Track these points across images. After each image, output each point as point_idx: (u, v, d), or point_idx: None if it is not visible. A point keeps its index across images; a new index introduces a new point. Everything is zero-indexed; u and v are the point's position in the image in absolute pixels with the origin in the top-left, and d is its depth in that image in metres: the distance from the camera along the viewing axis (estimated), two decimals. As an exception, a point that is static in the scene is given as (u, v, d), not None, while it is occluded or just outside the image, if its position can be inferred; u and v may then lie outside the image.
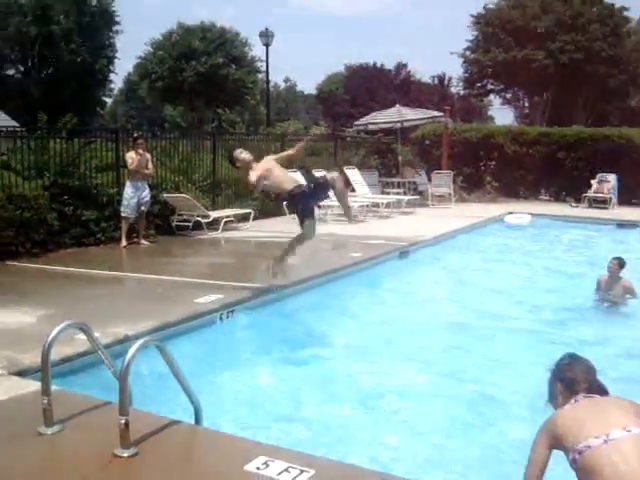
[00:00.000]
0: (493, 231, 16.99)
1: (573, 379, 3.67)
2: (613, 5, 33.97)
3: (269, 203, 16.90)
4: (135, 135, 13.05)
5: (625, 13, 34.44)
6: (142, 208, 12.44)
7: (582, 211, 20.36)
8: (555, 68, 31.67)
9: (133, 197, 12.29)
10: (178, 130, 29.27)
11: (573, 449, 3.29)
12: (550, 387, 3.80)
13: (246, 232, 14.50)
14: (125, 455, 3.78)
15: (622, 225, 17.83)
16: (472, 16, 35.96)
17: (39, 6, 36.17)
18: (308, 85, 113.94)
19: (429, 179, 21.87)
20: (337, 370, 6.74)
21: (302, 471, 3.68)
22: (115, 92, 58.49)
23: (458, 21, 71.07)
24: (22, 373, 5.40)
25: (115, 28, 33.52)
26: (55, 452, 4.11)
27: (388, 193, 20.59)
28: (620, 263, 9.32)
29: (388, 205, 18.36)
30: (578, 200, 21.70)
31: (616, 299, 9.36)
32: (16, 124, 25.20)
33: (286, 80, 79.56)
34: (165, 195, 13.78)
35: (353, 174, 19.68)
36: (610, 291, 9.38)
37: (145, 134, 14.98)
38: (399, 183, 21.87)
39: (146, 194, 12.52)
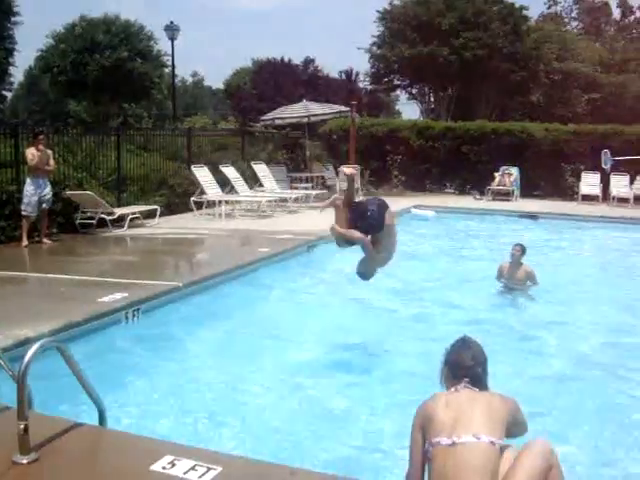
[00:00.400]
0: (399, 224, 17.23)
1: (458, 365, 3.73)
2: (513, 4, 34.93)
3: (175, 199, 16.73)
4: (36, 131, 12.67)
5: (524, 12, 35.48)
6: (44, 206, 12.10)
7: (486, 203, 20.93)
8: (459, 64, 32.30)
9: (34, 195, 11.94)
10: (83, 125, 28.53)
11: (429, 440, 3.41)
12: (440, 369, 3.87)
13: (152, 229, 14.28)
14: (24, 462, 3.65)
15: (524, 216, 18.41)
16: (378, 12, 36.34)
17: None
18: (216, 80, 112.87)
19: (337, 173, 22.03)
20: (242, 365, 6.71)
21: (209, 469, 3.65)
22: (16, 86, 56.60)
23: (365, 17, 71.93)
24: None
25: (14, 19, 32.33)
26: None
27: (296, 188, 20.65)
28: (522, 249, 9.67)
29: (296, 200, 18.41)
30: (482, 193, 22.29)
31: (518, 285, 9.68)
32: None
33: (193, 75, 78.64)
34: (68, 192, 13.43)
35: (261, 169, 19.66)
36: (512, 277, 9.69)
37: (47, 129, 14.55)
38: (307, 178, 21.97)
39: (47, 191, 12.19)
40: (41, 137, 12.15)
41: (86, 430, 4.20)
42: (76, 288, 8.77)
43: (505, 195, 21.87)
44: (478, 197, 22.34)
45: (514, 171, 22.32)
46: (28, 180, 12.00)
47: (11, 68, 34.74)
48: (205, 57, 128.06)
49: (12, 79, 42.74)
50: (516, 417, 3.61)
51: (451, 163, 24.01)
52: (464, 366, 3.70)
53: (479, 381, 3.69)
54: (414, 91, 38.98)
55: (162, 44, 35.75)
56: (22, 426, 3.64)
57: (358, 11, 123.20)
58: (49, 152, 12.29)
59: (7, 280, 9.34)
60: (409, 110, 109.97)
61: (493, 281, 9.90)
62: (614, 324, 8.54)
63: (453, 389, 3.63)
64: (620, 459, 4.97)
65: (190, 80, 76.93)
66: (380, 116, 39.97)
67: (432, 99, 38.49)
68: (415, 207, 19.04)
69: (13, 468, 3.63)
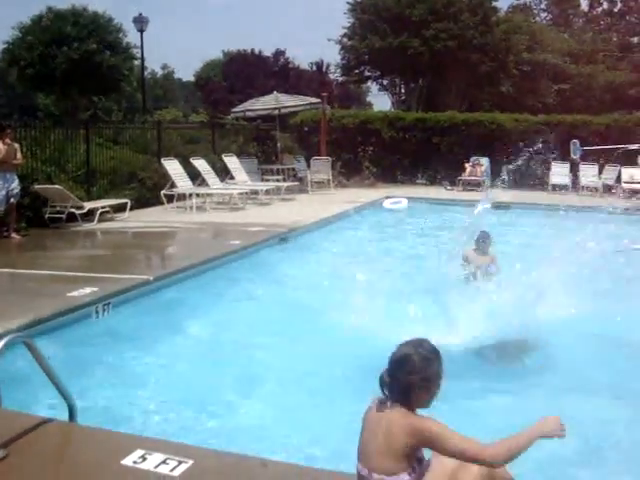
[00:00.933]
0: (371, 216, 17.29)
1: (388, 369, 3.16)
2: (482, -5, 35.05)
3: (146, 192, 16.62)
4: (2, 124, 12.52)
5: (494, 3, 35.64)
6: (11, 200, 11.99)
7: (457, 194, 21.02)
8: (429, 55, 32.36)
9: (1, 189, 11.82)
10: (51, 119, 28.23)
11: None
12: None
13: (123, 223, 14.18)
14: (-7, 458, 3.63)
15: (495, 206, 18.49)
16: (348, 3, 36.30)
17: None
18: (186, 72, 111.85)
19: (308, 165, 22.03)
20: (215, 362, 6.70)
21: (180, 462, 3.65)
22: (-19, 80, 55.86)
23: (335, 8, 71.76)
24: None
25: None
26: None
27: (268, 180, 20.62)
28: (489, 237, 9.73)
29: (268, 192, 18.38)
30: (453, 183, 22.41)
31: (481, 271, 9.71)
32: None
33: (163, 67, 77.99)
34: (36, 186, 13.29)
35: (232, 162, 19.60)
36: (477, 263, 9.72)
37: (15, 123, 14.38)
38: (278, 170, 21.92)
39: (15, 185, 12.07)
40: (8, 131, 12.06)
41: (56, 426, 4.18)
42: (45, 283, 8.69)
43: (476, 185, 21.99)
44: (449, 188, 22.46)
45: (484, 161, 22.46)
46: (-5, 175, 11.88)
47: (-24, 62, 34.27)
48: (175, 49, 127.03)
49: (-23, 73, 42.21)
50: (435, 446, 3.04)
51: (422, 154, 24.09)
52: (386, 372, 3.16)
53: (391, 392, 3.12)
54: (385, 82, 39.00)
55: (131, 36, 35.45)
56: (-10, 423, 3.61)
57: (329, 2, 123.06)
58: (16, 146, 12.18)
59: (-26, 276, 9.24)
60: (380, 102, 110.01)
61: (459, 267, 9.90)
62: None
63: (376, 400, 3.19)
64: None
65: (160, 72, 76.35)
66: (351, 108, 39.92)
67: (403, 90, 38.55)
68: (387, 198, 19.08)
69: (-19, 465, 3.60)
